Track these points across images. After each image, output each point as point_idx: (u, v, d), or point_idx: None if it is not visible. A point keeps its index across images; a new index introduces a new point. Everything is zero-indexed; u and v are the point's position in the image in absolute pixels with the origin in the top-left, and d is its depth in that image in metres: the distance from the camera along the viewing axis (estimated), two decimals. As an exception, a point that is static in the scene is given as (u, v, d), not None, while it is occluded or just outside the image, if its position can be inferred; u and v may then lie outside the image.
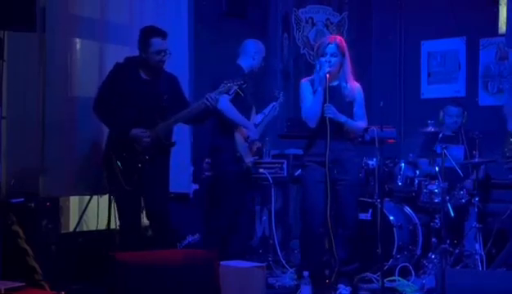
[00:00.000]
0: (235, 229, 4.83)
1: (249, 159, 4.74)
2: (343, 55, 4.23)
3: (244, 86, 4.49)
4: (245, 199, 4.93)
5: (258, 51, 4.85)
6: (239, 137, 4.68)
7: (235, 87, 4.37)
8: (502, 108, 4.98)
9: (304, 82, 4.35)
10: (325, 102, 4.10)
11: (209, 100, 4.18)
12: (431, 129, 5.04)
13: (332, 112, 4.10)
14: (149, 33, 4.17)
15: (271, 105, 5.03)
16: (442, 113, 5.28)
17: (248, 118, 4.74)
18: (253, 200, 5.37)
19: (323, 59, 4.20)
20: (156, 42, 4.14)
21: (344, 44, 4.27)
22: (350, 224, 4.27)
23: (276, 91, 5.13)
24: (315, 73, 4.26)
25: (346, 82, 4.25)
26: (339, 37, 4.34)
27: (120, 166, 4.10)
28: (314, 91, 4.22)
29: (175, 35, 4.93)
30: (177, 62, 4.86)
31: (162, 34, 4.17)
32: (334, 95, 4.18)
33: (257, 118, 4.96)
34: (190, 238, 4.71)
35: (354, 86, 4.28)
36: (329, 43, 4.23)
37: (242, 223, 4.89)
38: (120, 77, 4.18)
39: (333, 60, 4.18)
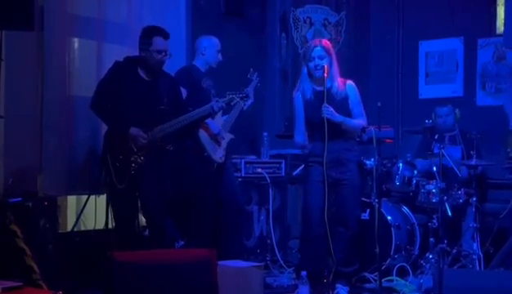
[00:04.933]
0: (229, 229, 4.83)
1: (218, 155, 4.70)
2: (330, 55, 4.24)
3: (246, 98, 4.50)
4: (227, 198, 4.84)
5: (208, 46, 4.80)
6: (203, 135, 4.64)
7: (237, 99, 4.40)
8: (502, 108, 4.99)
9: (296, 95, 4.34)
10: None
11: (217, 104, 4.25)
12: (428, 129, 5.05)
13: (330, 112, 4.11)
14: (152, 31, 4.19)
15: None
16: (433, 116, 5.31)
17: (211, 116, 4.65)
18: (251, 200, 5.37)
19: (311, 63, 4.21)
20: (158, 41, 4.15)
21: (330, 46, 4.29)
22: (351, 225, 4.26)
23: (250, 72, 4.91)
24: (301, 79, 4.29)
25: (334, 82, 4.26)
26: (323, 40, 4.37)
27: (114, 164, 4.09)
28: (306, 105, 4.25)
29: (173, 35, 4.91)
30: (175, 62, 4.87)
31: (164, 34, 4.19)
32: (328, 99, 4.18)
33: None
34: (176, 245, 4.68)
35: (344, 84, 4.28)
36: (314, 47, 4.24)
37: (233, 222, 4.87)
38: (119, 76, 4.17)
39: (321, 62, 4.18)
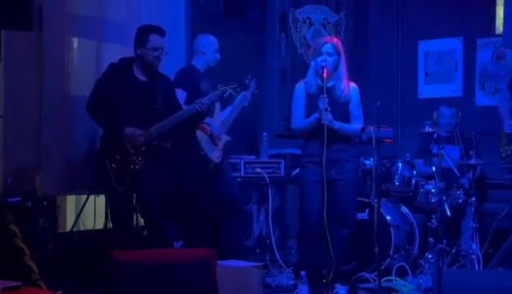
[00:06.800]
0: (228, 229, 4.84)
1: (215, 155, 4.72)
2: (339, 55, 4.27)
3: (239, 89, 4.51)
4: (225, 198, 4.87)
5: (207, 45, 4.82)
6: (201, 135, 4.66)
7: (230, 90, 4.40)
8: (497, 108, 5.00)
9: (298, 86, 4.38)
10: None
11: (200, 105, 4.22)
12: (428, 129, 5.05)
13: (328, 119, 4.14)
14: (147, 29, 4.19)
15: (240, 95, 4.93)
16: (435, 114, 5.32)
17: (210, 115, 4.71)
18: (250, 199, 5.37)
19: (319, 58, 4.25)
20: (154, 38, 4.15)
21: (340, 45, 4.32)
22: (348, 224, 4.29)
23: (247, 79, 5.02)
24: (308, 73, 4.32)
25: (340, 83, 4.28)
26: (335, 38, 4.43)
27: (113, 167, 4.08)
28: (309, 99, 4.26)
29: (172, 34, 4.93)
30: (175, 61, 4.87)
31: (160, 32, 4.19)
32: (329, 97, 4.20)
33: (223, 113, 4.92)
34: (175, 245, 4.69)
35: (349, 86, 4.31)
36: (325, 43, 4.29)
37: (232, 222, 4.88)
38: (115, 78, 4.17)
39: (329, 59, 4.21)
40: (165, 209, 4.35)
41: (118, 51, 4.47)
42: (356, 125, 4.32)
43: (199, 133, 4.65)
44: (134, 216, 4.26)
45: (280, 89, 6.24)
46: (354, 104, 4.32)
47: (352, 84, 4.36)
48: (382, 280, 4.34)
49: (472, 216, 4.81)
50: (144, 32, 4.18)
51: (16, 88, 4.18)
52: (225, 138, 4.84)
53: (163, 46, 4.19)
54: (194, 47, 4.91)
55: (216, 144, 4.74)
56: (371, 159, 4.79)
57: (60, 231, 4.58)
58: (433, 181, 4.93)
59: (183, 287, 3.28)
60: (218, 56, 4.86)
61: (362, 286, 4.56)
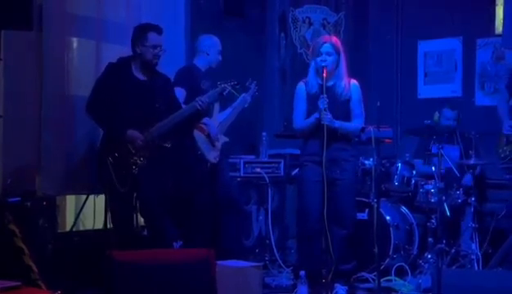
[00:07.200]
0: (228, 229, 4.84)
1: (212, 156, 4.73)
2: (339, 54, 4.26)
3: (238, 86, 4.52)
4: (224, 198, 4.88)
5: (211, 46, 4.84)
6: (198, 135, 4.66)
7: (229, 88, 4.41)
8: (496, 108, 5.01)
9: (300, 85, 4.39)
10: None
11: (200, 103, 4.22)
12: (427, 129, 5.06)
13: (328, 119, 4.13)
14: (145, 27, 4.21)
15: (241, 97, 4.96)
16: (437, 114, 5.31)
17: (209, 115, 4.72)
18: (250, 199, 5.37)
19: (318, 58, 4.24)
20: (153, 36, 4.17)
21: (339, 44, 4.32)
22: (347, 224, 4.29)
23: (248, 81, 5.06)
24: (309, 73, 4.32)
25: (341, 81, 4.28)
26: (334, 37, 4.40)
27: (114, 167, 4.08)
28: (310, 99, 4.26)
29: (172, 34, 4.95)
30: (174, 61, 4.88)
31: (158, 30, 4.21)
32: (330, 95, 4.20)
33: (221, 114, 4.93)
34: (175, 245, 4.70)
35: (349, 84, 4.31)
36: (324, 43, 4.27)
37: (231, 222, 4.89)
38: (114, 78, 4.17)
39: (328, 58, 4.21)
40: (166, 209, 4.36)
41: (117, 51, 4.47)
42: (357, 123, 4.32)
43: (196, 133, 4.65)
44: (134, 215, 4.28)
45: (280, 89, 6.25)
46: (355, 102, 4.32)
47: (353, 81, 4.35)
48: (381, 280, 4.35)
49: (471, 216, 4.81)
50: (142, 30, 4.19)
51: (16, 88, 4.18)
52: (223, 139, 4.84)
53: (161, 43, 4.20)
54: (197, 47, 4.91)
55: (213, 145, 4.74)
56: (371, 159, 4.80)
57: (59, 231, 4.58)
58: (432, 181, 4.94)
59: (183, 287, 3.29)
60: (220, 58, 4.88)
61: (362, 286, 4.57)
